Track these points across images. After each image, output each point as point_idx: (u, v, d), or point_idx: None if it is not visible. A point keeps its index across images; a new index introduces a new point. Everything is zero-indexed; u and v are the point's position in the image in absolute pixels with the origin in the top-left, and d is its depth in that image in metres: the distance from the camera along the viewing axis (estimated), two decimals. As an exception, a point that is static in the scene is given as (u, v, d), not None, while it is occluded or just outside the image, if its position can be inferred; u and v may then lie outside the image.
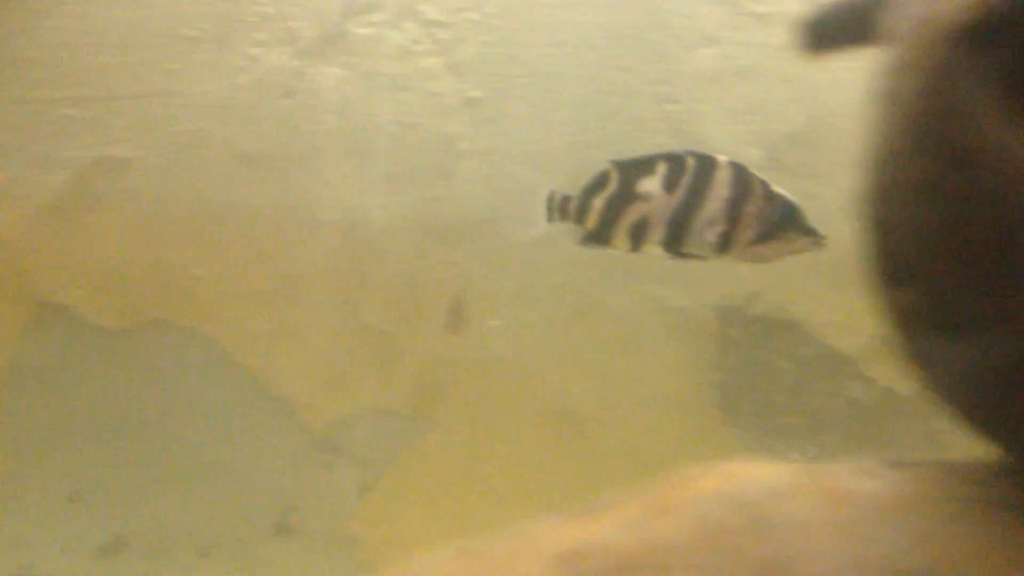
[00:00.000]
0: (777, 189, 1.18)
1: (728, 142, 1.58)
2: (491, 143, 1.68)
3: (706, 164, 1.17)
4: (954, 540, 0.45)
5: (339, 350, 1.88)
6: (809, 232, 1.20)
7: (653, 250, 1.22)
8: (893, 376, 1.69)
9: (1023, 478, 0.47)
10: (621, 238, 1.22)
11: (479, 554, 0.53)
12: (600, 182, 1.22)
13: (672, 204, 1.19)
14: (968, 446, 0.56)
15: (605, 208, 1.21)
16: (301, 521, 1.90)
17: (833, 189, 1.57)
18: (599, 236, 1.23)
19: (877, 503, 0.47)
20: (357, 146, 1.70)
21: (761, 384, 1.85)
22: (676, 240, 1.19)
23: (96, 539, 1.83)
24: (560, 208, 1.27)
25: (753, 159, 1.55)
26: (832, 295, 1.71)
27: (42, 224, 1.76)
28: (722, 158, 1.18)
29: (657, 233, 1.20)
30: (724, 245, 1.19)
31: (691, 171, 1.18)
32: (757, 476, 0.50)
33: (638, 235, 1.21)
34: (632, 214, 1.21)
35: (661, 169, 1.18)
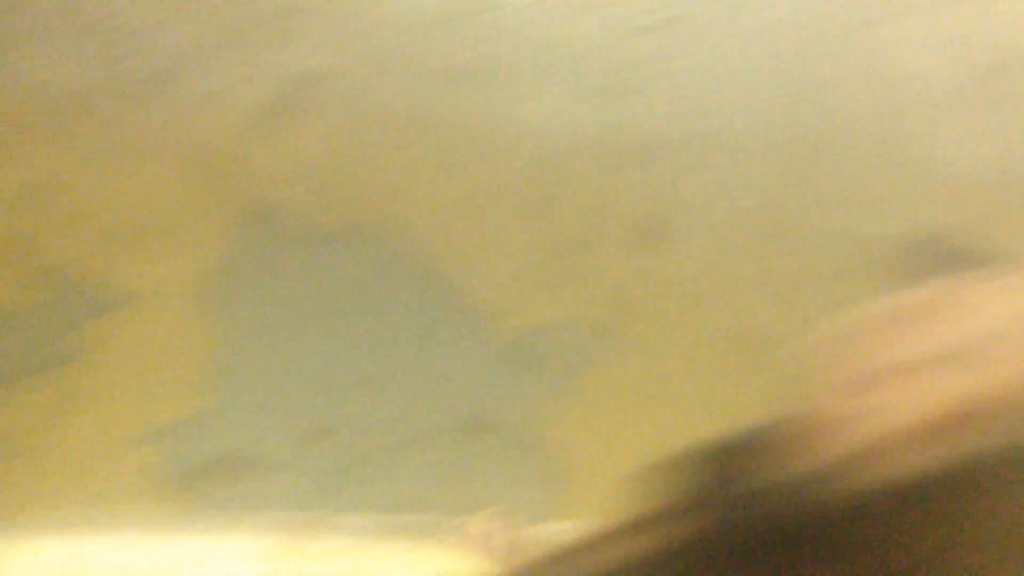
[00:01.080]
0: None
1: (927, 70, 1.52)
2: (683, 63, 1.66)
3: None
4: None
5: (531, 262, 1.92)
6: None
7: None
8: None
9: None
10: None
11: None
12: None
13: None
14: None
15: None
16: (493, 424, 1.97)
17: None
18: None
19: None
20: (548, 64, 1.71)
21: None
22: None
23: (300, 428, 1.95)
24: None
25: (952, 89, 1.48)
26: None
27: (249, 132, 1.87)
28: None
29: None
30: None
31: None
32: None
33: None
34: None
35: None
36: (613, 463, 1.99)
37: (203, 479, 1.96)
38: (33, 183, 1.82)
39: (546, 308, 1.96)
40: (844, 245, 1.67)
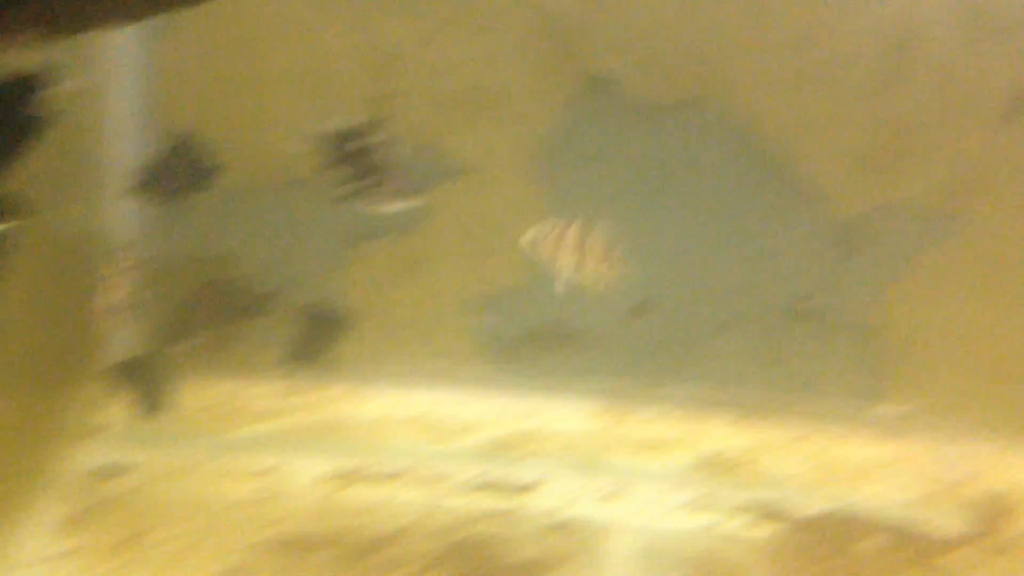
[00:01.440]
0: None
1: None
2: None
3: None
4: None
5: (873, 141, 1.85)
6: None
7: None
8: None
9: None
10: None
11: None
12: None
13: None
14: None
15: None
16: (818, 308, 1.94)
17: None
18: None
19: None
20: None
21: None
22: None
23: (628, 301, 1.98)
24: None
25: None
26: None
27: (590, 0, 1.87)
28: None
29: None
30: None
31: None
32: None
33: None
34: None
35: None
36: (944, 350, 1.92)
37: (531, 345, 2.04)
38: (384, 49, 1.90)
39: (884, 189, 1.89)
40: None
